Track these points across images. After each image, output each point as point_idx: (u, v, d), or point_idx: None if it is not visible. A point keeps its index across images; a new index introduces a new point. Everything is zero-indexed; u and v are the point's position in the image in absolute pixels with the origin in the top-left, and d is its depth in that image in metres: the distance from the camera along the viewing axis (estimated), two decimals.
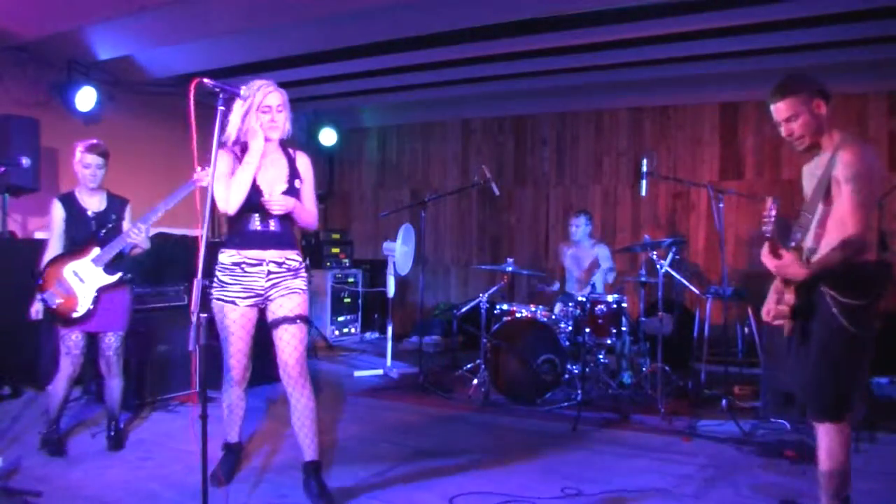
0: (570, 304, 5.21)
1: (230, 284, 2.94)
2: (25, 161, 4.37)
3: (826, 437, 2.55)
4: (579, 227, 5.82)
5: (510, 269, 5.51)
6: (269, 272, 2.95)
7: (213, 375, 4.91)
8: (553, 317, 5.18)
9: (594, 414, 4.59)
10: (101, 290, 3.60)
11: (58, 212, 3.67)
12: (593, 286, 5.27)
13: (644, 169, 4.86)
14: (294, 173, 3.01)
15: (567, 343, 4.94)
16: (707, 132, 6.92)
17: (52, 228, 3.70)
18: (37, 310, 3.62)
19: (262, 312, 3.05)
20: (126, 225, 3.75)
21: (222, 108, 2.53)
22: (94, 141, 3.70)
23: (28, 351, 4.71)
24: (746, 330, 5.68)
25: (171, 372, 4.74)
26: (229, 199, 2.84)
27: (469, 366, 5.71)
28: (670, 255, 4.83)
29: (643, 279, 5.25)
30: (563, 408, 4.74)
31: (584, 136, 7.47)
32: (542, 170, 7.76)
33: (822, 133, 2.61)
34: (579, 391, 4.67)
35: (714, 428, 4.24)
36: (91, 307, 3.58)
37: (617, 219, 7.32)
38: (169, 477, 3.35)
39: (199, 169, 3.39)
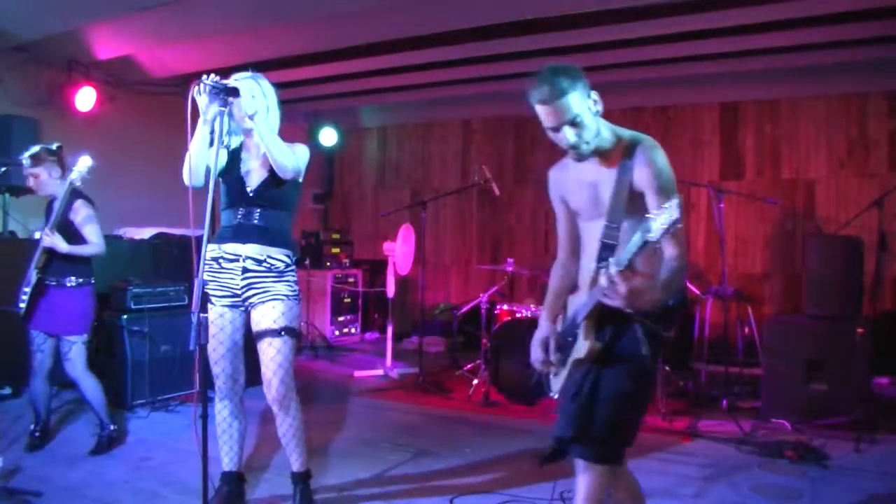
0: None
1: (208, 282, 2.73)
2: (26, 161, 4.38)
3: (597, 479, 2.04)
4: None
5: (510, 269, 5.51)
6: (245, 269, 2.71)
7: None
8: None
9: None
10: (36, 293, 3.61)
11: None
12: None
13: None
14: None
15: None
16: (707, 132, 6.91)
17: None
18: None
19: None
20: (78, 221, 3.65)
21: (223, 108, 2.53)
22: (35, 148, 3.66)
23: (28, 351, 4.70)
24: (746, 330, 5.68)
25: (171, 372, 4.73)
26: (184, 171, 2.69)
27: (469, 366, 5.71)
28: None
29: None
30: None
31: None
32: (542, 170, 7.72)
33: (603, 133, 2.13)
34: None
35: (714, 428, 4.24)
36: (24, 306, 3.61)
37: None
38: (169, 477, 3.35)
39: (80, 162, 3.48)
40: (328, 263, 7.76)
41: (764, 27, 4.89)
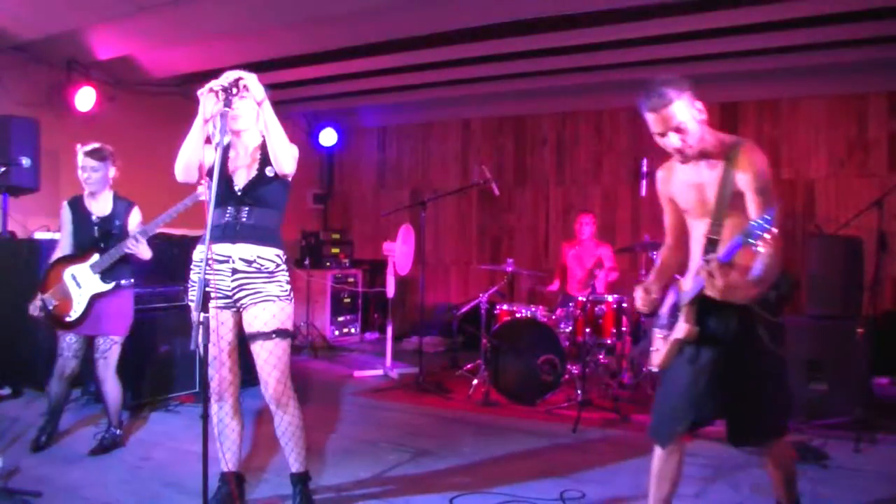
0: (571, 304, 5.21)
1: (209, 281, 2.62)
2: (25, 161, 4.38)
3: (780, 451, 2.50)
4: (587, 226, 5.83)
5: (510, 269, 5.51)
6: (235, 270, 2.70)
7: None
8: (553, 317, 5.18)
9: (594, 414, 4.59)
10: (96, 297, 3.59)
11: (65, 215, 3.73)
12: (594, 286, 5.27)
13: (644, 169, 4.86)
14: (266, 161, 2.76)
15: (567, 343, 4.94)
16: None
17: (61, 231, 3.76)
18: (34, 306, 3.62)
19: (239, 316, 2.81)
20: (132, 227, 3.74)
21: (226, 108, 2.53)
22: (95, 144, 3.67)
23: (28, 351, 4.71)
24: None
25: (171, 372, 4.73)
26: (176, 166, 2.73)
27: (469, 366, 5.71)
28: None
29: (643, 279, 5.25)
30: (563, 408, 4.74)
31: (584, 136, 7.47)
32: (542, 170, 7.76)
33: (706, 138, 2.30)
34: (579, 391, 4.67)
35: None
36: (83, 313, 3.58)
37: (617, 219, 7.31)
38: (169, 477, 3.35)
39: (203, 182, 3.45)
40: (328, 263, 7.76)
41: (764, 27, 4.89)
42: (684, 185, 2.43)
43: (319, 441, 3.97)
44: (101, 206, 3.72)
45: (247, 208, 2.74)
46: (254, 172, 2.77)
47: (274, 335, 2.71)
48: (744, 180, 2.23)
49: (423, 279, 5.96)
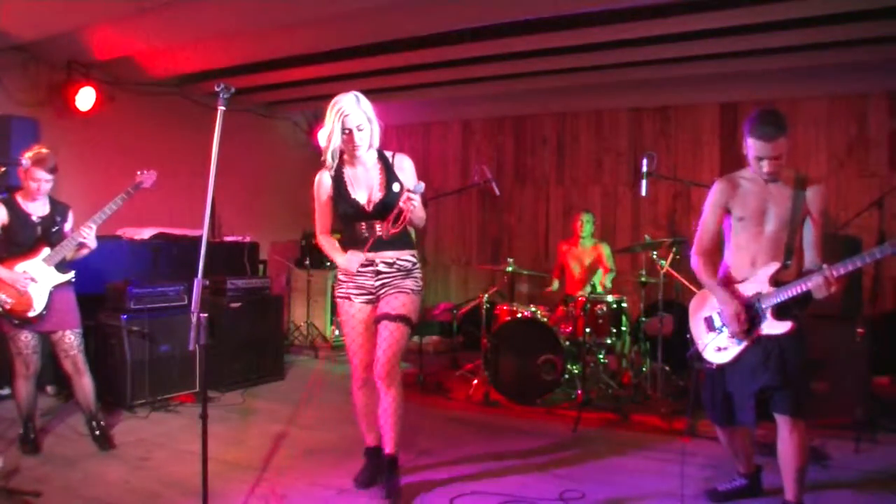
0: (571, 304, 5.21)
1: (346, 282, 3.16)
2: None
3: (801, 434, 2.73)
4: (586, 225, 5.82)
5: (510, 269, 5.51)
6: (379, 272, 3.10)
7: (214, 375, 4.95)
8: (553, 317, 5.18)
9: (594, 414, 4.59)
10: (55, 289, 3.64)
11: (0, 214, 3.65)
12: (593, 286, 5.28)
13: (644, 169, 4.85)
14: (392, 178, 3.12)
15: (567, 343, 4.94)
16: (707, 132, 6.91)
17: None
18: None
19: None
20: (67, 227, 3.80)
21: (223, 108, 2.54)
22: (43, 152, 3.67)
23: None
24: None
25: (171, 372, 4.74)
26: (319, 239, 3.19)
27: (469, 366, 5.71)
28: (671, 255, 4.83)
29: (643, 279, 5.25)
30: (563, 408, 4.74)
31: (584, 136, 7.47)
32: (542, 170, 7.76)
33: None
34: (579, 391, 4.67)
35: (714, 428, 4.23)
36: (45, 305, 3.61)
37: (617, 219, 7.31)
38: (169, 477, 3.36)
39: (140, 172, 3.69)
40: (328, 264, 7.74)
41: (764, 27, 4.88)
42: (751, 194, 2.86)
43: (320, 441, 3.98)
44: (38, 206, 3.73)
45: (380, 223, 3.04)
46: (381, 192, 3.09)
47: (399, 319, 3.05)
48: (814, 203, 2.79)
49: (423, 279, 5.95)
